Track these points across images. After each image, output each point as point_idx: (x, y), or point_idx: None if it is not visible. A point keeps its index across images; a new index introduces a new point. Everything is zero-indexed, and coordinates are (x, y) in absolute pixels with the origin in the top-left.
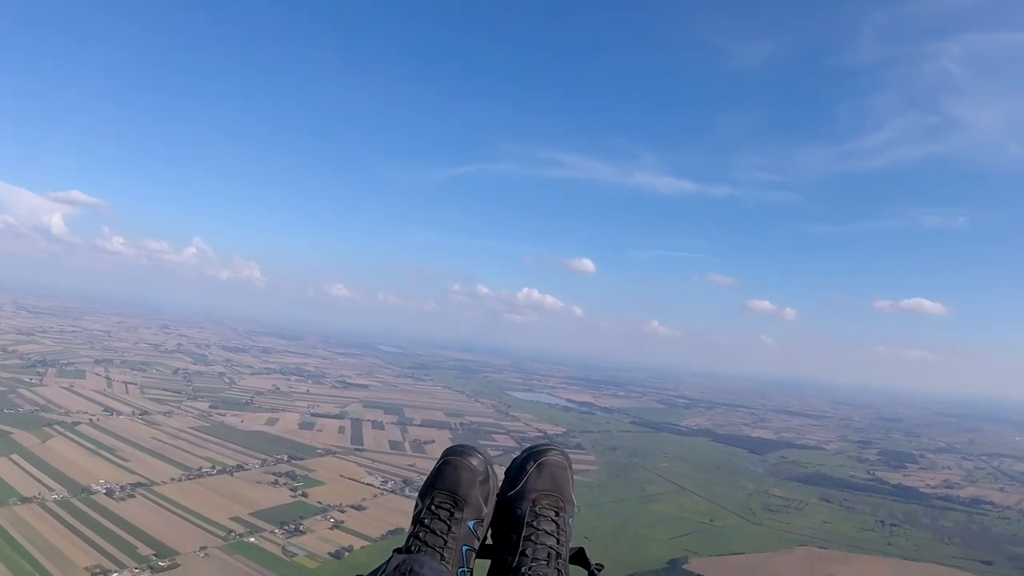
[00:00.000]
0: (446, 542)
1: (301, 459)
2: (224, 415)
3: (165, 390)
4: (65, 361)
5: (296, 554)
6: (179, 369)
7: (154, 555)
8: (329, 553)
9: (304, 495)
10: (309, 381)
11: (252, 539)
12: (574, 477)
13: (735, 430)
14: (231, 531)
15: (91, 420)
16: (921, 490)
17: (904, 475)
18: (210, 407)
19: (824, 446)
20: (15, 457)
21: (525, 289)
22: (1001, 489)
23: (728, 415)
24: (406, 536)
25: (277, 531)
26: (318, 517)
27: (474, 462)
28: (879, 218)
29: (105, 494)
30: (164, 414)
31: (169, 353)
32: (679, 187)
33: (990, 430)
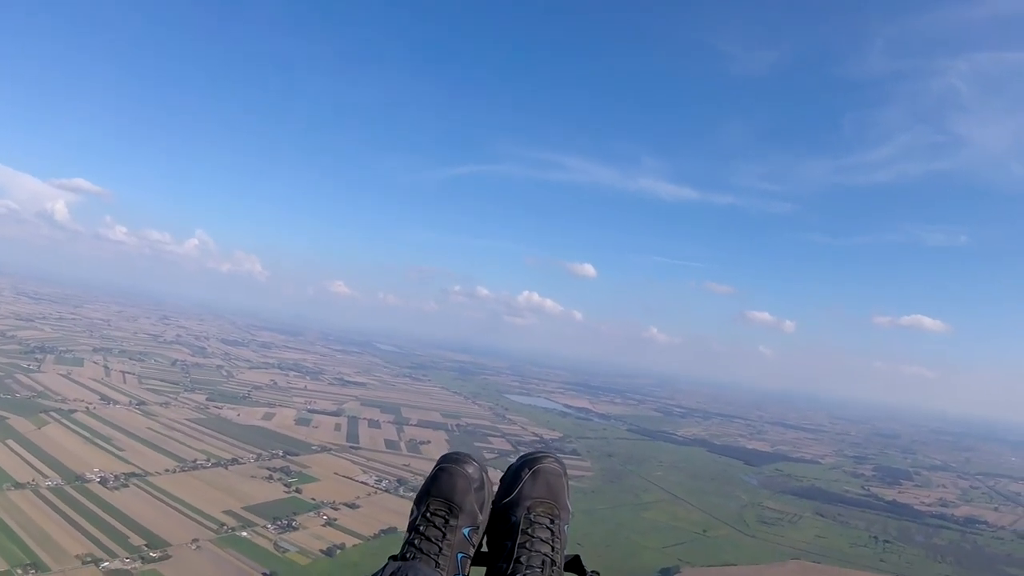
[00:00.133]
0: (441, 549)
1: (296, 455)
2: (221, 408)
3: (163, 381)
4: (64, 348)
5: (288, 550)
6: (177, 361)
7: (146, 545)
8: (321, 550)
9: (298, 491)
10: (307, 377)
11: (244, 533)
12: (569, 484)
13: (731, 441)
14: (223, 524)
15: (88, 408)
16: (916, 507)
17: (899, 492)
18: (207, 400)
19: (820, 460)
20: (10, 443)
21: (525, 292)
22: (996, 509)
23: (724, 425)
24: (402, 543)
25: (270, 526)
26: (311, 514)
27: (469, 469)
28: (881, 232)
29: (99, 483)
30: (161, 405)
31: (168, 344)
32: (680, 193)
33: (986, 449)
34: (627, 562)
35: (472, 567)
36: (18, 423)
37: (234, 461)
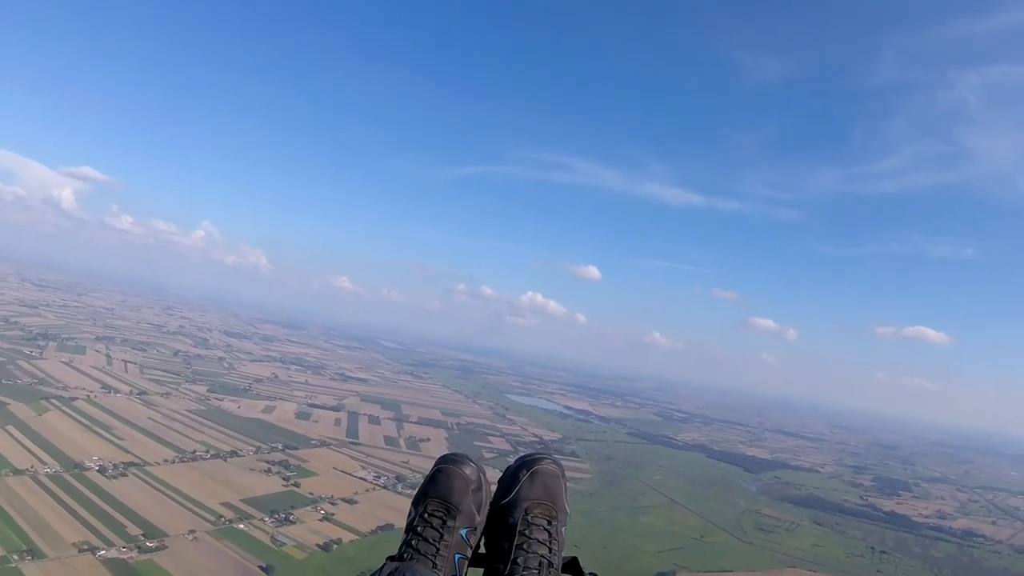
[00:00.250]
0: (438, 550)
1: (295, 449)
2: (221, 400)
3: (164, 371)
4: (66, 336)
5: (284, 543)
6: (180, 351)
7: (142, 535)
8: (318, 545)
9: (296, 485)
10: (308, 371)
11: (241, 525)
12: (567, 486)
13: (730, 447)
14: (221, 516)
15: (88, 396)
16: (913, 518)
17: (897, 503)
18: (208, 391)
19: (819, 469)
20: (10, 428)
21: (529, 293)
22: (994, 523)
23: (724, 431)
24: (399, 543)
25: (267, 519)
26: (309, 508)
27: (467, 471)
28: (886, 243)
29: (98, 471)
30: (162, 395)
31: (171, 335)
32: (687, 199)
33: (986, 463)
34: (624, 565)
35: (470, 568)
36: (19, 409)
37: (233, 453)
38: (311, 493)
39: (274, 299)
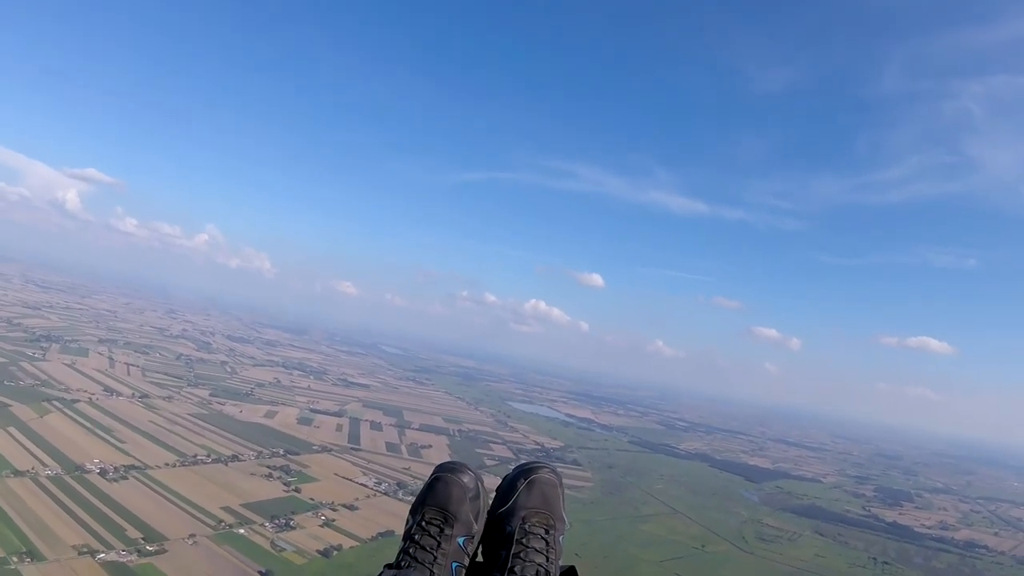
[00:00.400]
0: (436, 558)
1: (297, 454)
2: (223, 404)
3: (167, 375)
4: (69, 338)
5: (284, 549)
6: (182, 355)
7: (142, 539)
8: (318, 551)
9: (297, 490)
10: (311, 377)
11: (242, 530)
12: (565, 495)
13: (732, 456)
14: (221, 521)
15: (90, 399)
16: (916, 529)
17: (900, 513)
18: (210, 395)
19: (821, 479)
20: (12, 430)
21: (533, 300)
22: (996, 534)
23: (726, 441)
24: (397, 552)
25: (267, 524)
26: (309, 514)
27: (465, 479)
28: (890, 253)
29: (99, 474)
30: (164, 398)
31: (173, 338)
32: (691, 207)
33: (989, 474)
34: (625, 574)
35: None
36: (20, 411)
37: (234, 458)
38: (312, 499)
39: (277, 302)
